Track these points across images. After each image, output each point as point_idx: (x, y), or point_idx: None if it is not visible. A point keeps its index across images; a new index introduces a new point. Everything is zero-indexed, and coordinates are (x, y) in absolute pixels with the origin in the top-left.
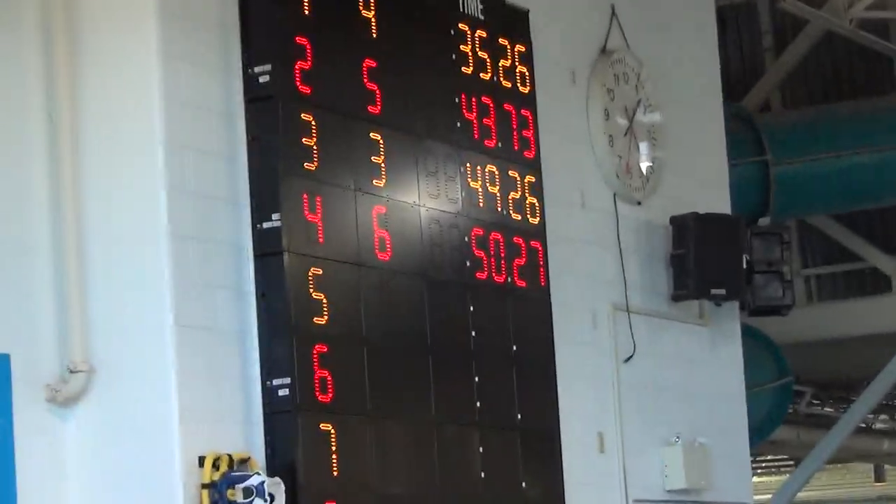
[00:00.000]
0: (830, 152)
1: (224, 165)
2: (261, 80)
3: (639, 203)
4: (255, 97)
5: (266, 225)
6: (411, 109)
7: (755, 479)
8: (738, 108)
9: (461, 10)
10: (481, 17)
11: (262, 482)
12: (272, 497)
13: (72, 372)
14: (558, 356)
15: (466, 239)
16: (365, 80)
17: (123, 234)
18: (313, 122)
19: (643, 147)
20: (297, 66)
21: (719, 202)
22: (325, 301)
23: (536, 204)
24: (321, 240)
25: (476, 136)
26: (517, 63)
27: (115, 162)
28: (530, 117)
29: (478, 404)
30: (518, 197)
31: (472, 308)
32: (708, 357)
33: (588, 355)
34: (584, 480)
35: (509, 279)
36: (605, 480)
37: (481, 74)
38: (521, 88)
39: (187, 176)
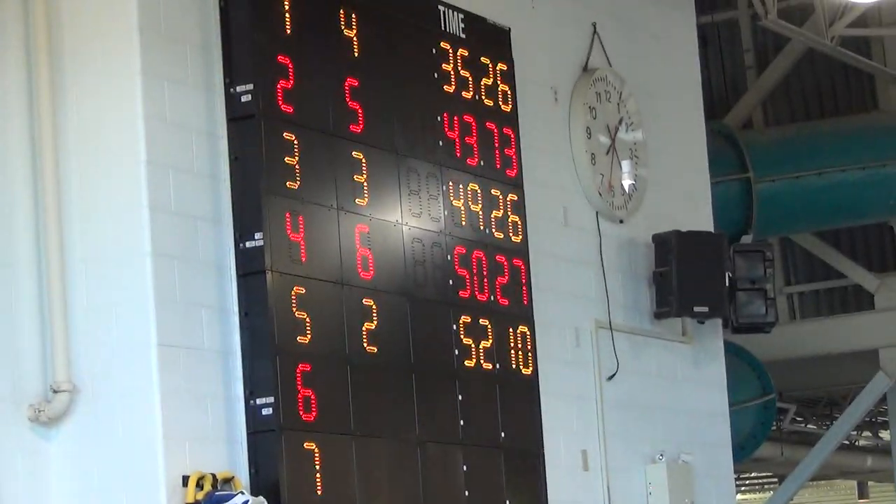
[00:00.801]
0: (812, 170)
1: (206, 184)
2: (242, 99)
3: (621, 221)
4: (236, 116)
5: (248, 244)
6: (393, 128)
7: (739, 496)
8: (721, 126)
9: (443, 28)
10: (462, 36)
11: (246, 501)
12: None
13: (55, 392)
14: (541, 374)
15: (449, 257)
16: (347, 99)
17: (106, 253)
18: (295, 141)
19: (625, 165)
20: (278, 86)
21: (702, 219)
22: (308, 320)
23: (519, 222)
24: (304, 258)
25: (458, 154)
26: (499, 81)
27: (98, 181)
28: (512, 136)
29: (461, 423)
30: (500, 215)
31: (454, 327)
32: (691, 374)
33: (571, 373)
34: (568, 499)
35: (492, 297)
36: (589, 498)
37: (463, 93)
38: (502, 107)
39: (169, 195)
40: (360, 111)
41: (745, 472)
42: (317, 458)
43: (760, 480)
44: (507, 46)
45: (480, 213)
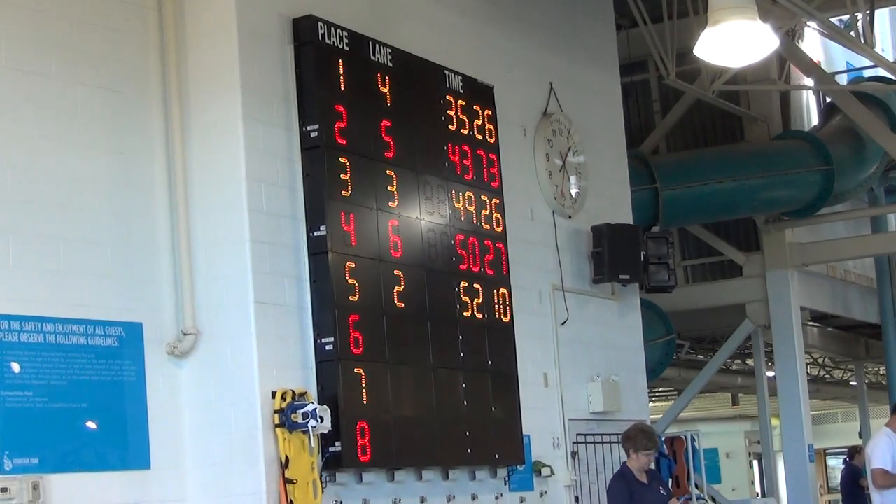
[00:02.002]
0: (700, 182)
1: (287, 193)
2: (311, 135)
3: (570, 217)
4: (307, 146)
5: (316, 233)
6: (414, 154)
7: (651, 404)
8: (637, 152)
9: (447, 86)
10: (461, 91)
11: (315, 408)
12: (322, 418)
13: (185, 334)
14: (516, 321)
15: (452, 242)
16: (382, 135)
17: (219, 239)
18: (347, 164)
19: (572, 179)
20: (336, 126)
21: (624, 216)
22: (356, 285)
23: (500, 218)
24: (353, 243)
25: (458, 171)
26: (486, 122)
27: (213, 190)
28: (495, 159)
29: (461, 354)
30: (487, 213)
31: (456, 289)
32: (617, 321)
33: (536, 320)
34: (534, 406)
35: (482, 269)
36: (549, 405)
37: (462, 130)
38: (489, 139)
39: (262, 200)
40: (391, 143)
41: (654, 388)
42: (363, 379)
43: (665, 393)
44: (492, 98)
45: (474, 211)
